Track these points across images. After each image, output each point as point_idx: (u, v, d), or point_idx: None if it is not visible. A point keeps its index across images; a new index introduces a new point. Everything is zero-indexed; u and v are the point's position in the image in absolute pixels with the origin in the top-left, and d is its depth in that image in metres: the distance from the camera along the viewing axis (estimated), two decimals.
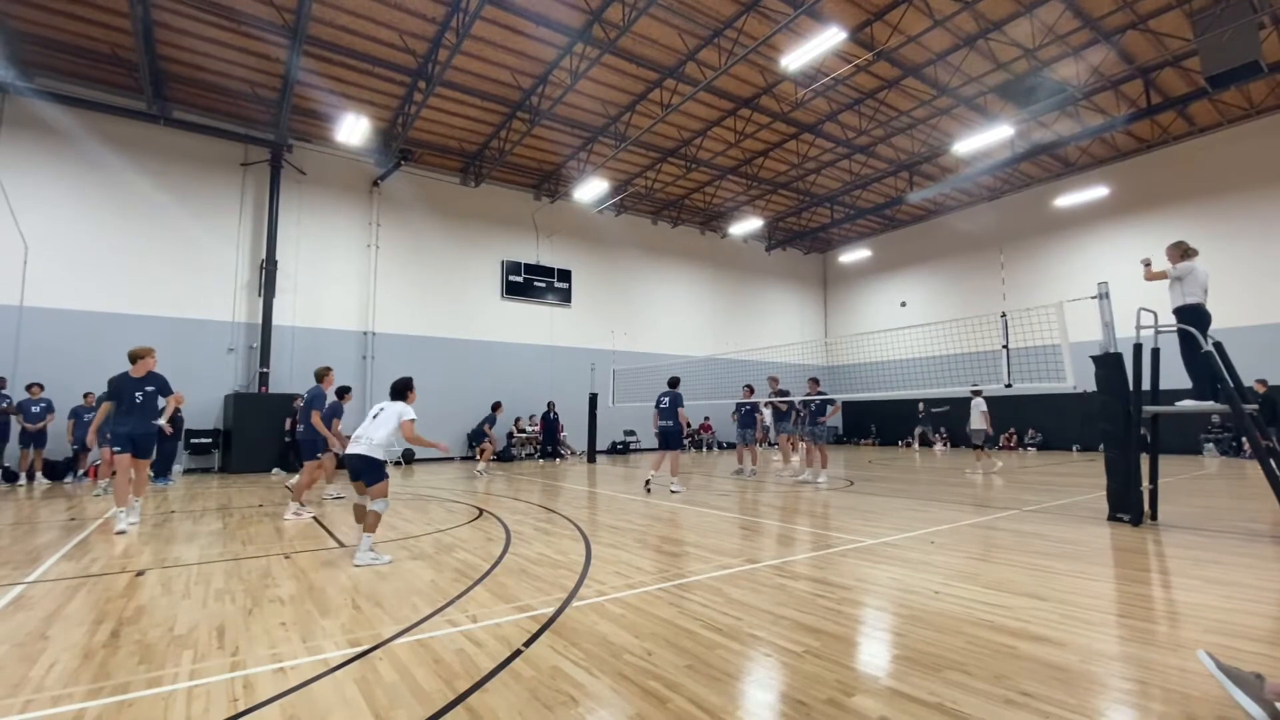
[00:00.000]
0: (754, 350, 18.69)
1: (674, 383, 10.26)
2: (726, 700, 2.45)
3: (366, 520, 5.03)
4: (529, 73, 13.53)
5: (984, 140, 14.66)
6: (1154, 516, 6.35)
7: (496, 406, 13.96)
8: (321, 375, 7.92)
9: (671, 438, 9.84)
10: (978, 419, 12.37)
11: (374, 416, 5.32)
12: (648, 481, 9.78)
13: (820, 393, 10.77)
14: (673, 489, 9.31)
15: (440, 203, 17.60)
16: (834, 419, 18.61)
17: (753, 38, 11.84)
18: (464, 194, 18.07)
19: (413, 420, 5.31)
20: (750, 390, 12.36)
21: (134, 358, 6.76)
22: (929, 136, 16.78)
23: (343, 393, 8.63)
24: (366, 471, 5.17)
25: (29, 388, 11.04)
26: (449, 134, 16.11)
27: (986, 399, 13.15)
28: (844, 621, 3.39)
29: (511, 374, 18.10)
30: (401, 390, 5.59)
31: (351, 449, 5.24)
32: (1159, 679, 2.59)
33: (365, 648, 3.02)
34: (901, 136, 16.93)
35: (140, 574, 4.52)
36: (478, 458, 13.89)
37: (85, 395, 11.33)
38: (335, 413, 8.10)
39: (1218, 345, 6.01)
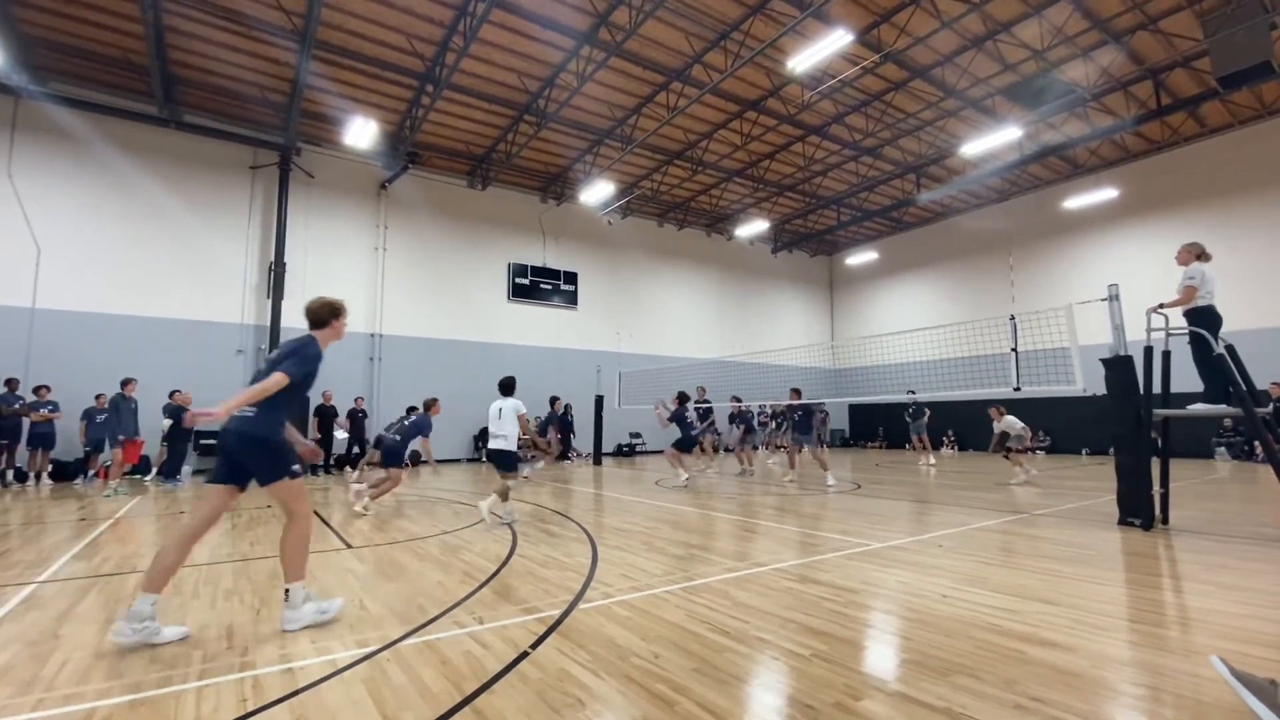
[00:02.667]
0: (760, 353, 18.67)
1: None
2: (734, 703, 2.44)
3: (501, 493, 6.50)
4: (536, 76, 13.58)
5: (992, 142, 14.60)
6: (1165, 521, 6.29)
7: (554, 402, 13.52)
8: (429, 405, 8.94)
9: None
10: (1017, 424, 12.20)
11: (498, 415, 6.66)
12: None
13: (801, 402, 10.87)
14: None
15: (447, 205, 17.68)
16: (826, 424, 18.64)
17: (759, 40, 11.84)
18: (471, 197, 18.14)
19: (524, 413, 6.78)
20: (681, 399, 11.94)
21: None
22: (936, 138, 16.72)
23: (430, 405, 9.50)
24: (507, 463, 6.65)
25: (36, 390, 11.13)
26: (456, 137, 16.18)
27: (995, 401, 13.09)
28: (851, 625, 3.37)
29: (518, 376, 17.97)
30: (510, 387, 7.02)
31: (494, 445, 6.67)
32: (1171, 685, 2.57)
33: (373, 649, 3.03)
34: (909, 138, 16.89)
35: None
36: (532, 459, 13.01)
37: (97, 397, 11.42)
38: (426, 431, 8.64)
39: (1230, 348, 5.95)
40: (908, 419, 15.13)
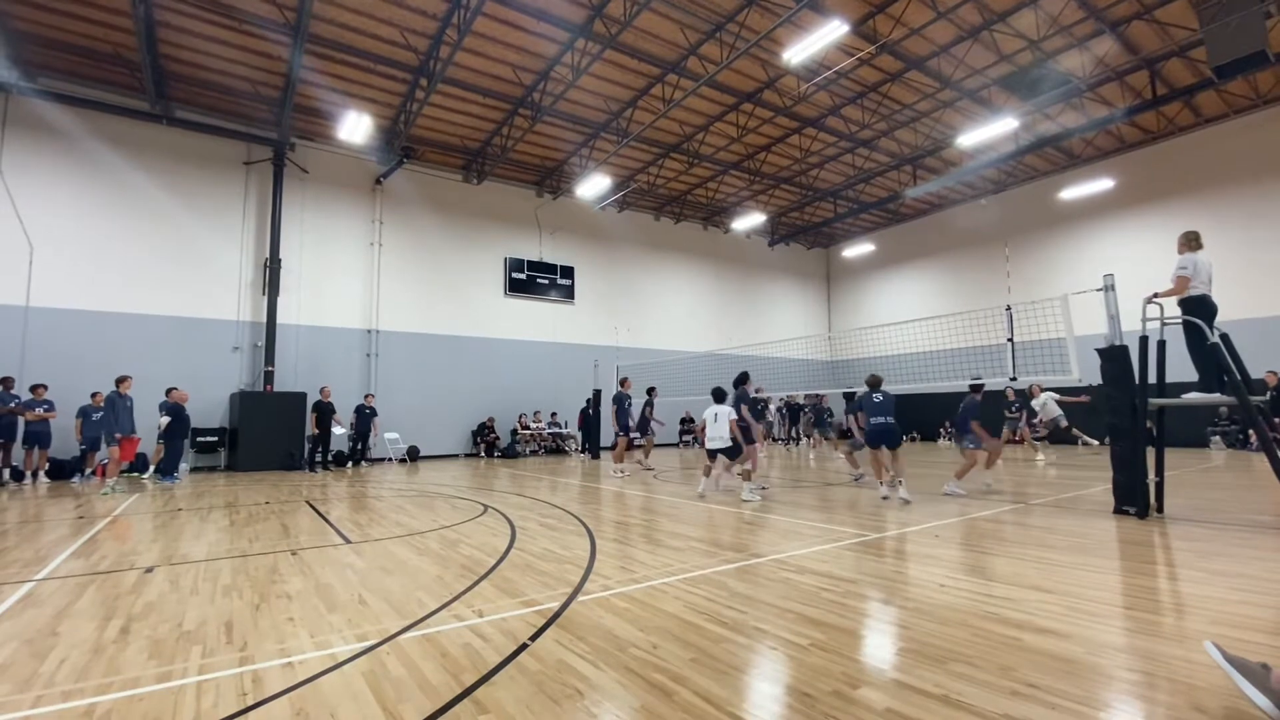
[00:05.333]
0: (757, 345, 18.68)
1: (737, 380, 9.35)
2: (732, 693, 2.45)
3: (745, 474, 7.96)
4: (530, 69, 13.51)
5: (988, 133, 14.59)
6: (1160, 509, 6.33)
7: (652, 391, 13.13)
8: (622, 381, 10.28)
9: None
10: (1053, 408, 12.77)
11: (714, 420, 8.20)
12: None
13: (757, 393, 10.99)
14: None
15: (443, 200, 17.61)
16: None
17: (755, 31, 11.79)
18: (466, 191, 18.08)
19: (735, 418, 8.18)
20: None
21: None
22: (932, 130, 16.70)
23: (650, 391, 10.25)
24: (732, 454, 8.19)
25: (33, 389, 11.10)
26: (451, 131, 16.11)
27: (988, 392, 13.23)
28: (849, 615, 3.39)
29: (515, 371, 18.13)
30: (723, 395, 8.49)
31: (713, 446, 8.28)
32: (1165, 670, 2.59)
33: (372, 642, 3.04)
34: (904, 130, 16.86)
35: (149, 571, 4.55)
36: (619, 458, 11.94)
37: (93, 395, 11.38)
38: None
39: (1224, 337, 5.98)
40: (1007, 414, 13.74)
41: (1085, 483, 9.12)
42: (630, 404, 12.60)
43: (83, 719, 2.29)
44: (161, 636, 3.16)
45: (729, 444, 8.12)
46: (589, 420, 17.16)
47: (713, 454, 8.42)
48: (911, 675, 2.57)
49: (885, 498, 7.81)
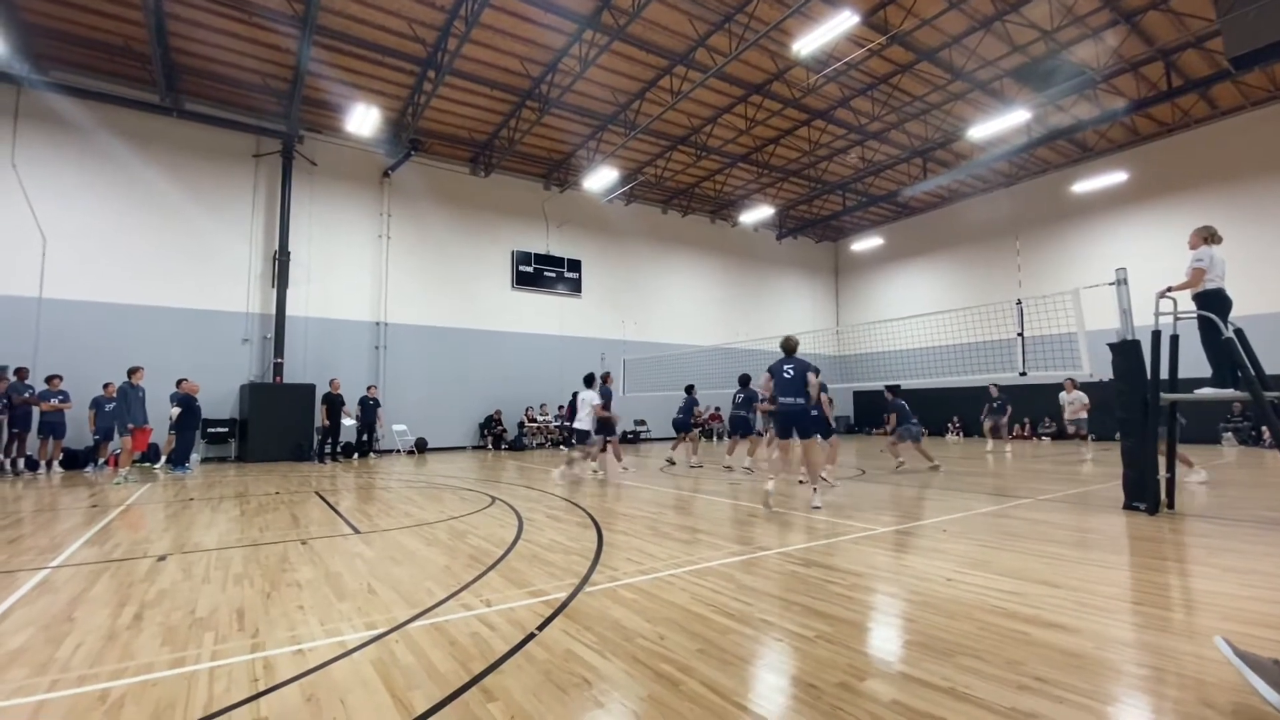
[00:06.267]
0: (765, 339, 18.62)
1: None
2: (738, 683, 2.46)
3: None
4: (538, 60, 13.47)
5: (1000, 125, 14.43)
6: (1171, 505, 6.28)
7: (691, 389, 12.48)
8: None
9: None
10: (1079, 409, 12.71)
11: (581, 404, 9.34)
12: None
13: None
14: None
15: (450, 193, 17.63)
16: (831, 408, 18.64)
17: (764, 22, 11.70)
18: (474, 184, 18.08)
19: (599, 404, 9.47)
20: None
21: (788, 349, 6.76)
22: (943, 122, 16.54)
23: (746, 380, 10.20)
24: (584, 438, 9.42)
25: (49, 379, 11.24)
26: (459, 124, 16.11)
27: (1000, 387, 13.22)
28: (855, 607, 3.39)
29: (522, 364, 18.17)
30: (591, 381, 9.44)
31: (579, 426, 9.25)
32: (1174, 665, 2.58)
33: (382, 630, 3.07)
34: (915, 122, 16.72)
35: (161, 559, 4.61)
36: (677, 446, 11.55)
37: (105, 385, 11.50)
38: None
39: (1239, 332, 5.90)
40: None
41: (1095, 479, 9.05)
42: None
43: (98, 703, 2.32)
44: (174, 623, 3.20)
45: (586, 429, 9.21)
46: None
47: (579, 436, 9.41)
48: (918, 668, 2.57)
49: (767, 504, 6.18)
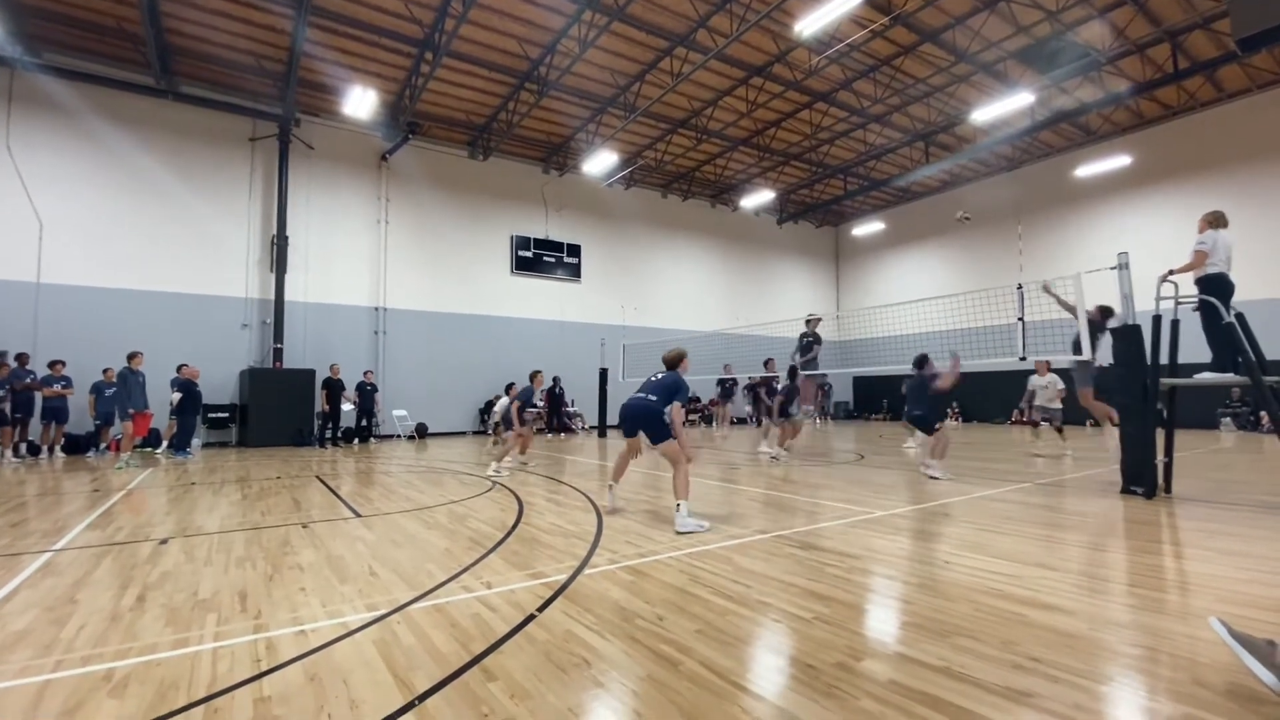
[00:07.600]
0: (765, 324, 18.59)
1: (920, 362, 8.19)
2: (737, 663, 2.48)
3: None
4: (537, 42, 13.30)
5: (1003, 108, 14.29)
6: (1168, 490, 6.31)
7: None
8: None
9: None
10: (1054, 396, 11.29)
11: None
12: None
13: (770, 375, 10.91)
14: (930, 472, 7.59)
15: (449, 177, 17.50)
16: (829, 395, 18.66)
17: (766, 3, 11.54)
18: (472, 168, 17.94)
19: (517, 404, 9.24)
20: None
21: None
22: (946, 105, 16.38)
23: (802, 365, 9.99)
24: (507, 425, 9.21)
25: (51, 365, 11.24)
26: (457, 106, 15.95)
27: (1003, 374, 13.07)
28: (853, 589, 3.41)
29: (522, 349, 18.14)
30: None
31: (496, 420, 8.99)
32: (1168, 646, 2.60)
33: (383, 612, 3.09)
34: (918, 105, 16.55)
35: (164, 542, 4.63)
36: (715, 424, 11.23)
37: (105, 371, 11.51)
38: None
39: (1240, 316, 5.89)
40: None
41: (1093, 463, 9.08)
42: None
43: (102, 683, 2.34)
44: (177, 605, 3.22)
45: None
46: (555, 398, 17.62)
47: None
48: (914, 648, 2.59)
49: (608, 506, 5.78)
